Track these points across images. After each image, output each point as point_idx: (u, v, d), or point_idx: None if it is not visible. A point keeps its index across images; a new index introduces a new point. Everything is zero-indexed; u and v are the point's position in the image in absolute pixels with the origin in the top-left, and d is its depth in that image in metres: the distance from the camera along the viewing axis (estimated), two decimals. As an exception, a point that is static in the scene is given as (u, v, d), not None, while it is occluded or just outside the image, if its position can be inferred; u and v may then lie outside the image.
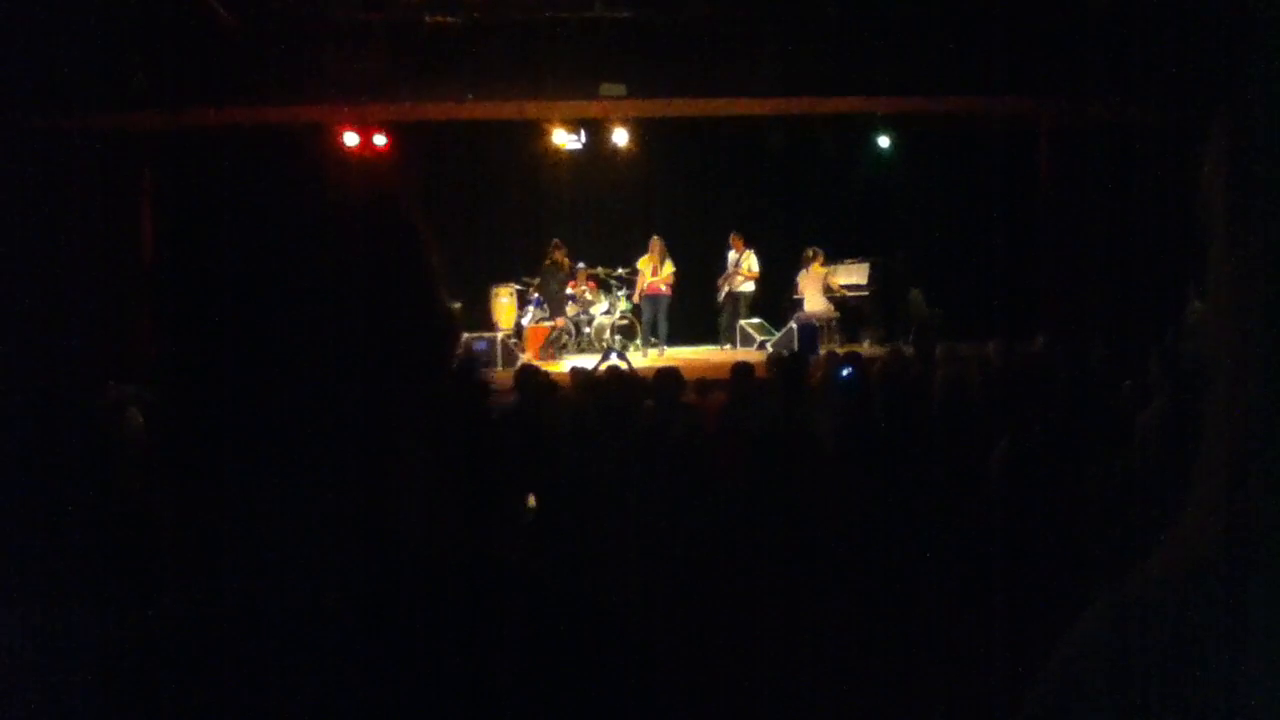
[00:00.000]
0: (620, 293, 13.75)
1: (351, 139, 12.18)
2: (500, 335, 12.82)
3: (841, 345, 12.47)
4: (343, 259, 0.75)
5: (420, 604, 0.74)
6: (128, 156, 12.07)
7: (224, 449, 0.74)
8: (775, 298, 14.35)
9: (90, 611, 0.78)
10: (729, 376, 7.12)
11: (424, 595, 0.75)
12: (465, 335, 11.75)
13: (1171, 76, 9.63)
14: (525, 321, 13.51)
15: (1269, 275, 0.62)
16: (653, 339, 13.27)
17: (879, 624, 3.14)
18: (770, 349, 12.32)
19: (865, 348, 12.37)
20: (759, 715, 2.88)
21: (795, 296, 13.92)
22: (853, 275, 14.22)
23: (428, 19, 10.95)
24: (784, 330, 13.40)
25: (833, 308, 13.60)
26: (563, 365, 11.17)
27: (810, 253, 13.71)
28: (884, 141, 14.97)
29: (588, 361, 10.33)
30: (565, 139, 13.66)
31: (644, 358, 12.66)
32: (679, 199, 15.10)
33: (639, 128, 13.62)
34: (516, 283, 13.78)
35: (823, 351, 10.51)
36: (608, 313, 13.68)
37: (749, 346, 13.47)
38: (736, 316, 13.98)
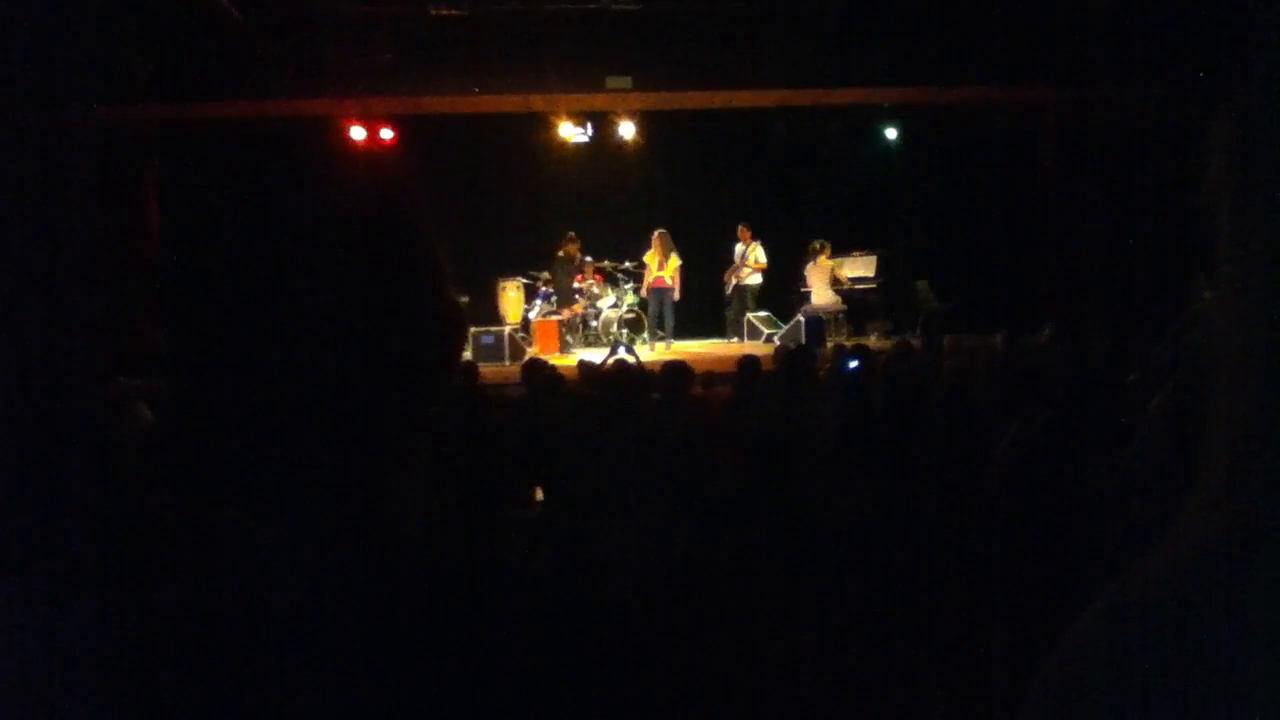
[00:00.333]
0: (627, 286, 13.73)
1: (359, 133, 12.19)
2: (507, 329, 12.82)
3: (849, 338, 12.45)
4: (349, 252, 0.75)
5: (420, 603, 0.74)
6: (134, 149, 12.09)
7: (229, 442, 0.74)
8: (782, 291, 14.32)
9: (91, 608, 0.78)
10: (735, 370, 7.12)
11: (424, 594, 0.74)
12: (472, 329, 11.75)
13: (1176, 66, 9.59)
14: (532, 315, 13.50)
15: (1274, 265, 0.61)
16: (659, 332, 13.26)
17: (881, 619, 3.14)
18: (777, 342, 12.30)
19: (873, 340, 12.35)
20: (760, 713, 2.88)
21: (802, 289, 13.88)
22: (860, 267, 14.19)
23: (432, 12, 10.94)
24: (791, 323, 13.37)
25: (840, 300, 13.57)
26: (571, 359, 11.15)
27: (817, 245, 13.67)
28: (890, 133, 14.95)
29: (594, 355, 10.33)
30: (572, 132, 13.65)
31: (651, 351, 12.65)
32: (685, 192, 15.08)
33: (645, 120, 13.61)
34: (523, 276, 13.77)
35: (830, 344, 10.50)
36: (614, 306, 13.67)
37: (756, 340, 13.44)
38: (743, 309, 13.96)
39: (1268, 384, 0.61)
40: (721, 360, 9.77)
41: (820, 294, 13.46)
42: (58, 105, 10.32)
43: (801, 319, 13.17)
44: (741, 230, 13.98)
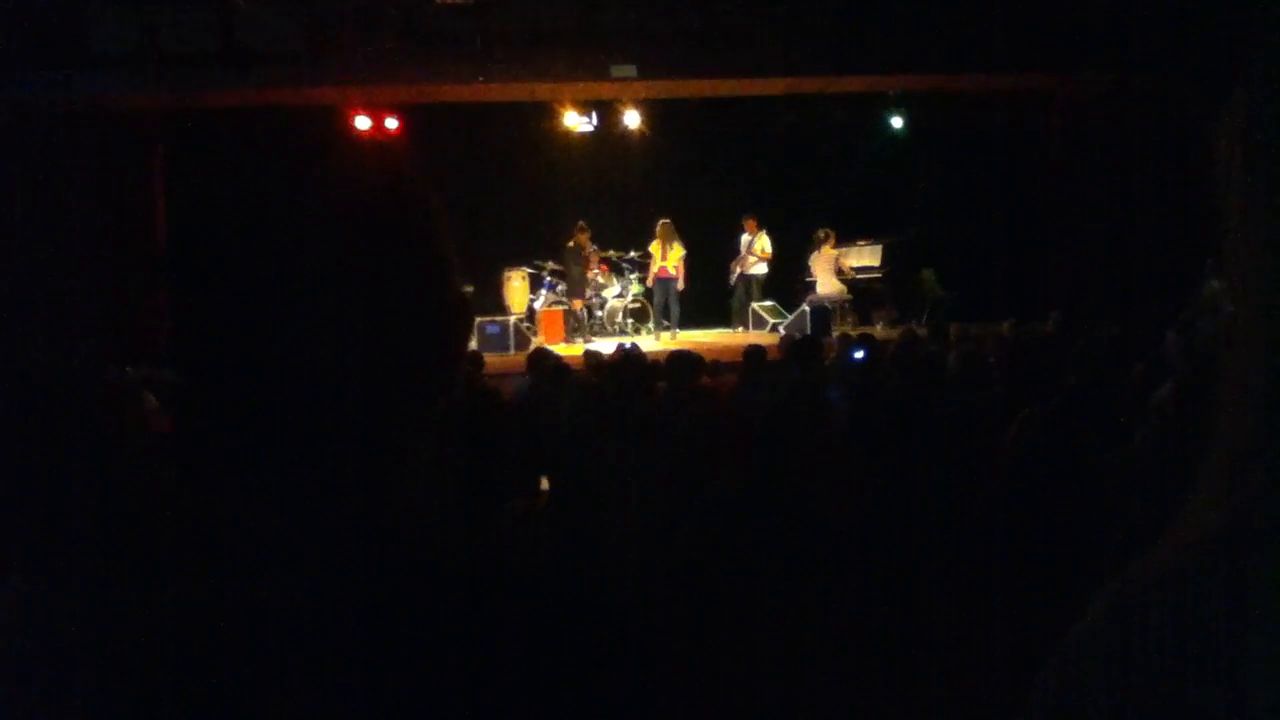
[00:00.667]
0: (632, 275, 13.72)
1: (364, 123, 12.18)
2: (512, 319, 12.82)
3: (854, 327, 12.44)
4: (355, 242, 0.75)
5: (422, 597, 0.74)
6: (140, 137, 12.10)
7: (233, 433, 0.74)
8: (787, 280, 14.31)
9: (93, 600, 0.78)
10: (741, 359, 7.12)
11: (426, 588, 0.74)
12: (477, 319, 11.75)
13: (1183, 54, 9.55)
14: (537, 304, 13.50)
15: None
16: (665, 322, 13.26)
17: (887, 609, 3.13)
18: (782, 331, 12.29)
19: (878, 329, 12.34)
20: (762, 710, 2.88)
21: (807, 279, 13.87)
22: (865, 256, 14.16)
23: (438, 1, 10.92)
24: (796, 313, 13.36)
25: (845, 290, 13.55)
26: (577, 349, 11.16)
27: (822, 234, 13.65)
28: (896, 122, 14.91)
29: (599, 345, 10.33)
30: (577, 121, 13.62)
31: (656, 341, 12.65)
32: (690, 181, 15.05)
33: (650, 109, 13.58)
34: (528, 266, 13.77)
35: (835, 333, 10.49)
36: (620, 296, 13.67)
37: (761, 329, 13.44)
38: (749, 299, 13.95)
39: (1275, 375, 0.61)
40: (727, 350, 9.77)
41: (825, 283, 13.44)
42: (65, 91, 10.33)
43: (807, 308, 13.16)
44: (747, 220, 13.96)
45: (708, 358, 7.26)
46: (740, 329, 13.92)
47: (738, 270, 14.09)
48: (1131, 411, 4.15)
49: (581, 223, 13.34)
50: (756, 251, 13.82)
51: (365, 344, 0.74)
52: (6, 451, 1.18)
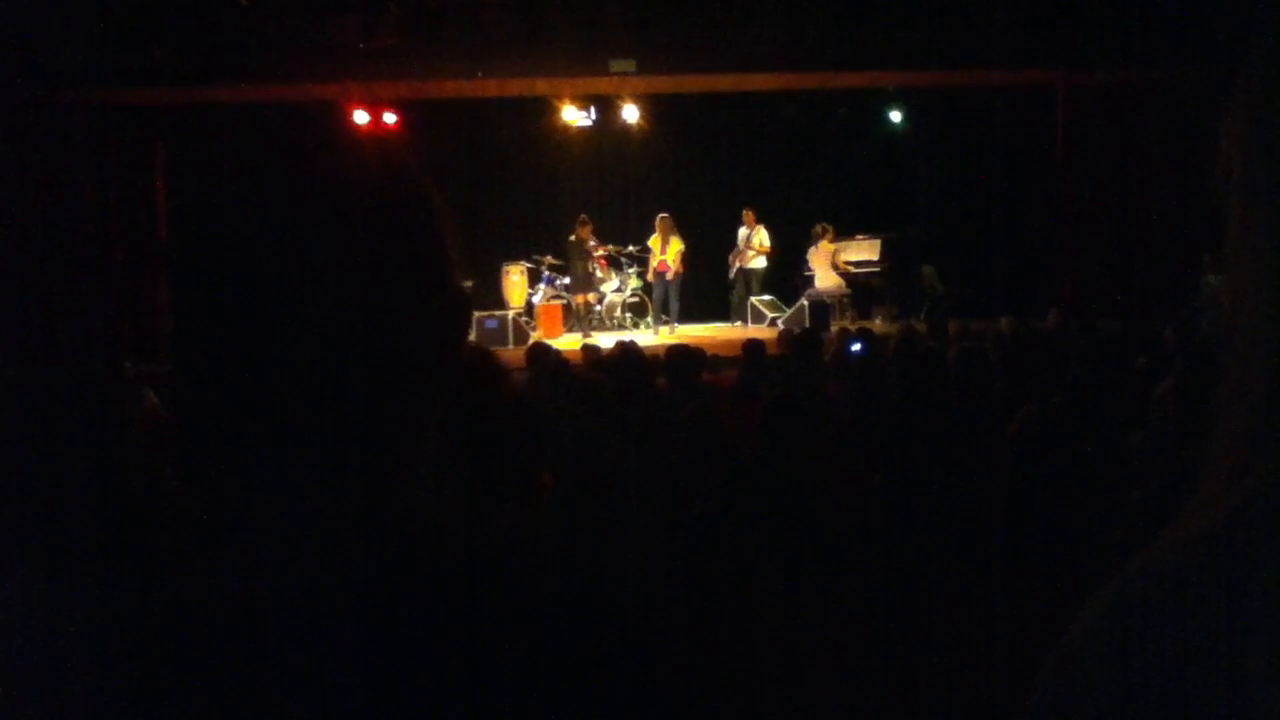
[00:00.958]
0: (631, 270, 13.71)
1: (362, 117, 12.16)
2: (511, 313, 12.81)
3: (854, 322, 12.44)
4: (357, 236, 0.75)
5: (423, 593, 0.74)
6: (141, 132, 12.09)
7: (233, 428, 0.74)
8: (786, 274, 14.31)
9: (93, 595, 0.77)
10: (741, 354, 7.12)
11: (427, 584, 0.74)
12: (476, 314, 11.74)
13: (1186, 49, 9.54)
14: (536, 299, 13.49)
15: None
16: (664, 317, 13.25)
17: (889, 603, 3.14)
18: (781, 326, 12.29)
19: (878, 325, 12.33)
20: (763, 707, 2.89)
21: (806, 273, 13.86)
22: (864, 251, 14.15)
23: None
24: (795, 307, 13.36)
25: (844, 284, 13.55)
26: (576, 343, 11.15)
27: (820, 229, 13.64)
28: (895, 117, 14.90)
29: (601, 339, 10.32)
30: (576, 116, 13.60)
31: (655, 336, 12.64)
32: (689, 175, 15.04)
33: (649, 104, 13.56)
34: (527, 260, 13.76)
35: (834, 328, 10.49)
36: (619, 290, 13.66)
37: (760, 323, 13.43)
38: (748, 293, 13.95)
39: (1275, 375, 0.60)
40: (726, 344, 9.77)
41: (824, 278, 13.44)
42: (67, 86, 10.32)
43: (805, 303, 13.16)
44: (746, 214, 13.95)
45: (707, 352, 7.26)
46: (739, 323, 13.92)
47: (736, 264, 14.08)
48: (1132, 407, 4.16)
49: (583, 216, 13.32)
50: (755, 246, 13.81)
51: (366, 340, 0.74)
52: (5, 449, 1.18)
